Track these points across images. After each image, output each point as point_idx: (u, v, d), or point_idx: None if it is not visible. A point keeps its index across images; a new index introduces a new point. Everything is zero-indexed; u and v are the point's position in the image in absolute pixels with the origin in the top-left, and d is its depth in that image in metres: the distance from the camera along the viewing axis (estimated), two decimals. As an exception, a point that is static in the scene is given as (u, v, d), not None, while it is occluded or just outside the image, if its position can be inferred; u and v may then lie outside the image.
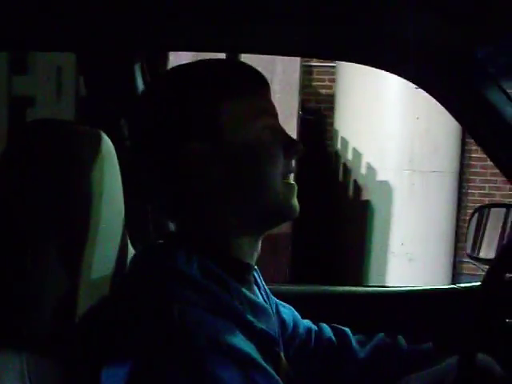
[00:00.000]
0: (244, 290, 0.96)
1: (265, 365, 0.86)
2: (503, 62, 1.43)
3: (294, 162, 1.05)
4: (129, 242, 1.21)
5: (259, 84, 1.02)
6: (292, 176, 1.04)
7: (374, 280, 4.64)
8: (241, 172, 0.96)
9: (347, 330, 1.29)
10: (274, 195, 0.97)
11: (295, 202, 1.01)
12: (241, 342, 0.85)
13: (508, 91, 1.38)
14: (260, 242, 1.03)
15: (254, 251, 1.02)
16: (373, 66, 1.50)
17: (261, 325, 0.94)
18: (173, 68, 1.04)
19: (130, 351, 0.84)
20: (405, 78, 1.49)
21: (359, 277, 4.69)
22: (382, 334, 1.28)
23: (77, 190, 1.00)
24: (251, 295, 0.98)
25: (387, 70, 1.49)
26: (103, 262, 1.07)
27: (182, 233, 1.01)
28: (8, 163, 0.97)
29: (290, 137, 1.02)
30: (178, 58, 4.31)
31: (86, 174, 1.01)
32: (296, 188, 1.02)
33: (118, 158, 1.13)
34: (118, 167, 1.13)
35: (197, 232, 0.98)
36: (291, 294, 1.40)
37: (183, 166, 0.95)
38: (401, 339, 1.27)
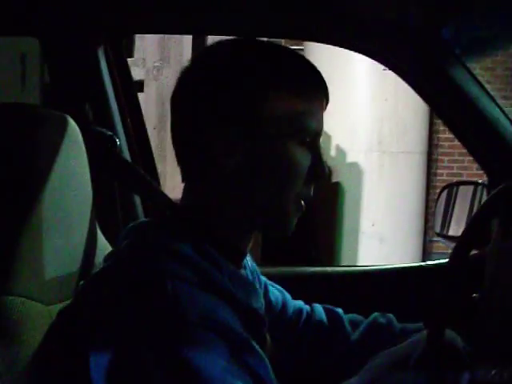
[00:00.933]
0: (234, 268, 0.96)
1: (255, 345, 0.87)
2: (468, 41, 1.45)
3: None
4: (97, 227, 1.20)
5: (316, 90, 0.97)
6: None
7: (345, 261, 4.68)
8: (261, 169, 0.93)
9: (340, 310, 1.29)
10: (282, 213, 0.96)
11: (294, 223, 0.99)
12: (233, 320, 0.86)
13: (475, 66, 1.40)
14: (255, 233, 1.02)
15: (249, 241, 1.01)
16: (339, 46, 1.50)
17: (252, 304, 0.94)
18: (212, 47, 0.99)
19: (121, 328, 0.83)
20: (371, 58, 1.50)
21: (331, 258, 4.73)
22: (376, 314, 1.28)
23: (42, 174, 0.98)
24: (241, 274, 0.99)
25: (354, 50, 1.50)
26: (74, 247, 1.06)
27: (184, 212, 0.99)
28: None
29: (321, 160, 0.98)
30: (143, 42, 4.28)
31: (51, 157, 1.00)
32: (302, 211, 0.99)
33: (85, 142, 1.12)
34: (84, 151, 1.12)
35: (201, 213, 0.97)
36: (270, 276, 1.40)
37: (215, 144, 0.92)
38: (393, 319, 1.27)
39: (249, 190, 0.95)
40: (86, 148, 1.13)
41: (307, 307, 1.28)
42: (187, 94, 0.97)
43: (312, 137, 0.96)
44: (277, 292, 1.25)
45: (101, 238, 1.20)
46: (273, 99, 0.92)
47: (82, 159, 1.12)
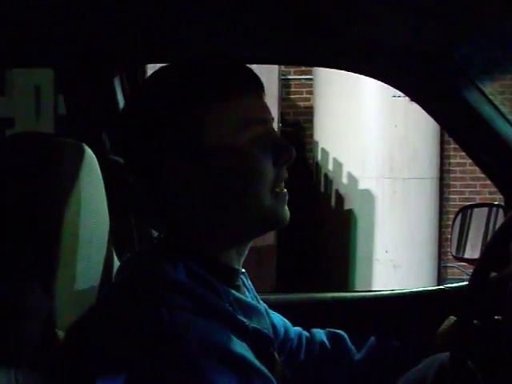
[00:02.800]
0: (232, 291, 0.95)
1: (260, 366, 0.85)
2: (480, 62, 1.45)
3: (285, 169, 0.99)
4: (114, 252, 1.20)
5: (247, 85, 0.96)
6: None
7: (359, 288, 4.64)
8: (224, 185, 0.93)
9: (342, 332, 1.28)
10: (260, 206, 0.94)
11: (284, 211, 0.98)
12: (234, 344, 0.85)
13: (485, 89, 1.40)
14: (248, 247, 1.01)
15: (241, 256, 1.01)
16: (350, 71, 1.51)
17: (253, 324, 0.93)
18: (153, 72, 1.00)
19: (122, 360, 0.83)
20: (383, 82, 1.50)
21: (345, 286, 4.69)
22: (377, 336, 1.28)
23: (58, 203, 0.99)
24: (240, 296, 0.97)
25: (366, 75, 1.50)
26: (89, 273, 1.06)
27: (168, 241, 1.00)
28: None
29: (282, 143, 0.97)
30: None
31: (68, 185, 1.00)
32: (286, 196, 0.98)
33: (101, 170, 1.13)
34: (101, 179, 1.13)
35: (183, 241, 0.97)
36: (280, 303, 1.40)
37: (166, 179, 0.93)
38: (395, 341, 1.27)
39: (220, 203, 0.94)
40: (103, 176, 1.13)
41: (306, 333, 1.28)
42: (135, 135, 0.97)
43: (261, 126, 0.95)
44: (278, 318, 1.24)
45: (117, 264, 1.20)
46: (209, 121, 0.92)
47: (99, 187, 1.12)
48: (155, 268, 0.90)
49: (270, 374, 0.87)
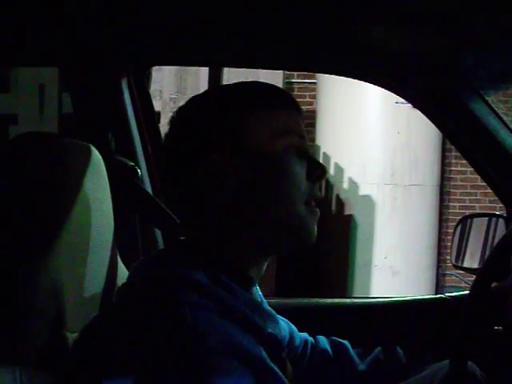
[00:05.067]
0: (251, 296, 0.97)
1: (276, 369, 0.87)
2: (486, 74, 1.46)
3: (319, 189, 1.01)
4: (118, 256, 1.20)
5: (289, 103, 1.02)
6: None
7: (358, 294, 4.64)
8: (257, 188, 0.96)
9: (346, 342, 1.29)
10: (293, 214, 0.96)
11: (314, 227, 0.99)
12: (252, 345, 0.86)
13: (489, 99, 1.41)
14: (266, 264, 1.02)
15: (260, 270, 1.01)
16: (356, 79, 1.52)
17: (269, 329, 0.94)
18: (207, 89, 1.11)
19: (137, 360, 0.83)
20: (389, 91, 1.51)
21: (344, 291, 4.70)
22: (381, 346, 1.28)
23: (66, 204, 0.99)
24: (257, 301, 1.00)
25: (371, 82, 1.51)
26: (94, 276, 1.07)
27: (189, 244, 1.01)
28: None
29: (316, 160, 1.01)
30: (160, 74, 4.33)
31: (75, 186, 1.01)
32: (318, 214, 1.00)
33: (107, 171, 1.13)
34: (107, 181, 1.13)
35: (207, 245, 0.97)
36: (279, 307, 1.40)
37: (203, 176, 0.95)
38: (399, 351, 1.27)
39: (252, 204, 0.96)
40: (109, 177, 1.14)
41: (311, 339, 1.28)
42: (179, 135, 1.02)
43: (298, 138, 1.00)
44: (284, 324, 1.25)
45: (121, 268, 1.20)
46: (251, 121, 0.97)
47: (105, 188, 1.13)
48: (176, 269, 0.91)
49: (285, 378, 0.88)
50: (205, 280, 0.90)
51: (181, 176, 0.99)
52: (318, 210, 1.00)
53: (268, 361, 0.86)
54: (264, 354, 0.87)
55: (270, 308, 1.08)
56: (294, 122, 1.01)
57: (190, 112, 1.03)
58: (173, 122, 1.04)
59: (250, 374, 0.82)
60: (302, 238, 1.00)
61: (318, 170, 1.00)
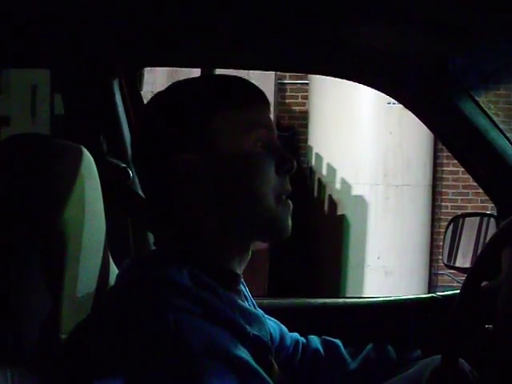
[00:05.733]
0: (234, 297, 0.97)
1: (260, 371, 0.87)
2: (475, 74, 1.47)
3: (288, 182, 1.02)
4: (110, 257, 1.20)
5: (254, 97, 1.01)
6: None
7: (350, 294, 4.65)
8: (230, 184, 0.96)
9: (337, 341, 1.29)
10: (265, 210, 0.96)
11: (288, 220, 1.00)
12: (236, 348, 0.86)
13: (479, 99, 1.41)
14: (250, 253, 1.03)
15: (243, 262, 1.02)
16: (348, 79, 1.52)
17: (254, 331, 0.94)
18: (170, 85, 1.05)
19: (125, 362, 0.83)
20: (379, 91, 1.51)
21: (337, 291, 4.70)
22: (372, 344, 1.29)
23: (58, 205, 0.99)
24: (242, 303, 0.99)
25: (362, 83, 1.52)
26: (87, 277, 1.07)
27: (171, 243, 1.01)
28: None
29: (285, 153, 1.01)
30: (152, 75, 4.32)
31: (67, 188, 1.01)
32: (291, 207, 1.01)
33: (99, 173, 1.13)
34: (98, 182, 1.13)
35: (186, 245, 0.98)
36: (272, 308, 1.40)
37: (174, 177, 0.95)
38: (390, 349, 1.28)
39: (226, 201, 0.96)
40: (100, 179, 1.14)
41: (303, 339, 1.28)
42: (147, 135, 1.01)
43: (266, 131, 0.99)
44: (274, 324, 1.25)
45: (113, 269, 1.20)
46: (219, 118, 0.96)
47: (96, 190, 1.13)
48: (160, 272, 0.91)
49: (270, 380, 0.88)
50: (188, 282, 0.90)
51: (151, 177, 1.00)
52: (290, 202, 1.01)
53: (252, 363, 0.86)
54: (248, 356, 0.87)
55: (255, 309, 1.08)
56: (261, 115, 1.01)
57: (153, 112, 1.03)
58: (139, 122, 1.04)
59: (234, 376, 0.82)
60: (275, 231, 1.00)
61: (287, 164, 1.00)
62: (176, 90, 1.04)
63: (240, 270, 1.02)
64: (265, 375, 0.87)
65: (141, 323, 0.85)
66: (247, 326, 0.93)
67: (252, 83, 1.03)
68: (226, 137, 0.96)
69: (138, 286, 0.91)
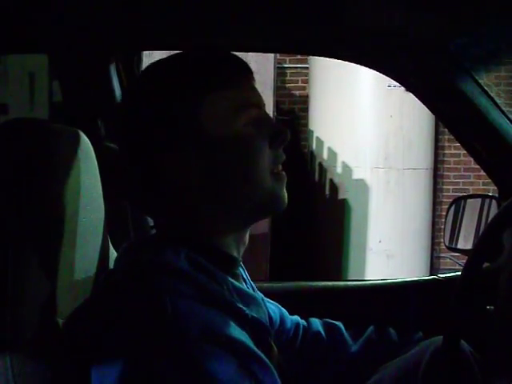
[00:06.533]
0: (232, 280, 0.96)
1: (259, 353, 0.86)
2: (476, 54, 1.45)
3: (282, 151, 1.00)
4: (109, 241, 1.20)
5: (239, 74, 0.98)
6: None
7: (352, 277, 4.66)
8: (223, 170, 0.94)
9: (339, 324, 1.29)
10: (261, 189, 0.95)
11: (284, 193, 0.99)
12: (235, 331, 0.85)
13: (480, 81, 1.40)
14: (247, 235, 1.02)
15: (241, 244, 1.01)
16: (347, 60, 1.51)
17: (253, 313, 0.93)
18: (148, 66, 1.01)
19: (122, 347, 0.83)
20: (380, 72, 1.50)
21: (338, 275, 4.71)
22: (373, 326, 1.29)
23: (55, 189, 0.99)
24: (240, 285, 0.98)
25: (362, 64, 1.50)
26: (85, 262, 1.06)
27: (168, 228, 1.00)
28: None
29: (276, 125, 0.99)
30: (150, 59, 4.30)
31: (64, 172, 1.00)
32: (285, 178, 0.99)
33: (97, 157, 1.13)
34: (96, 167, 1.12)
35: (183, 228, 0.97)
36: (273, 291, 1.40)
37: (165, 164, 0.94)
38: (391, 331, 1.28)
39: (219, 186, 0.94)
40: (98, 163, 1.13)
41: (303, 322, 1.28)
42: (135, 126, 0.98)
43: (255, 110, 0.97)
44: (274, 307, 1.25)
45: (113, 253, 1.20)
46: (206, 103, 0.93)
47: (94, 174, 1.12)
48: (157, 255, 0.91)
49: (269, 362, 0.87)
50: (186, 266, 0.89)
51: (140, 162, 0.97)
52: (284, 173, 0.99)
53: (251, 345, 0.86)
54: (247, 338, 0.87)
55: (253, 292, 1.07)
56: (249, 93, 0.98)
57: (141, 100, 0.98)
58: (126, 108, 1.01)
59: (233, 359, 0.82)
60: (273, 206, 0.99)
61: (280, 136, 0.98)
62: (155, 75, 0.99)
63: (238, 254, 1.01)
64: (264, 357, 0.87)
65: (137, 308, 0.84)
66: (245, 309, 0.92)
67: (236, 56, 1.00)
68: (214, 122, 0.93)
69: (135, 270, 0.90)
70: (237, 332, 0.86)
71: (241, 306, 0.91)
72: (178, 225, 0.97)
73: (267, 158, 0.96)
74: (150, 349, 0.80)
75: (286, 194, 0.99)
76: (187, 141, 0.93)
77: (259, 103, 0.99)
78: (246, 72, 0.99)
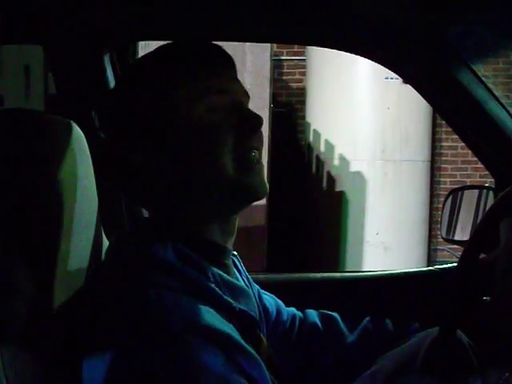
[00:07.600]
0: (220, 272, 0.95)
1: (246, 346, 0.86)
2: (473, 44, 1.44)
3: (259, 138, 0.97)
4: (103, 232, 1.19)
5: (200, 59, 0.97)
6: (257, 153, 0.97)
7: (350, 270, 4.66)
8: (184, 156, 0.93)
9: (335, 315, 1.28)
10: (224, 177, 0.93)
11: (257, 182, 0.96)
12: (220, 323, 0.85)
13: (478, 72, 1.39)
14: (235, 225, 1.01)
15: (228, 234, 1.00)
16: (344, 50, 1.50)
17: (240, 306, 0.93)
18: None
19: (109, 340, 0.83)
20: (376, 62, 1.49)
21: (335, 267, 4.71)
22: (369, 317, 1.28)
23: (49, 180, 0.98)
24: (228, 277, 0.97)
25: (359, 54, 1.49)
26: (78, 253, 1.06)
27: (154, 219, 1.00)
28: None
29: (246, 111, 0.97)
30: (146, 51, 4.29)
31: (58, 162, 1.00)
32: (258, 166, 0.96)
33: (90, 148, 1.12)
34: (89, 157, 1.12)
35: (167, 218, 0.97)
36: (270, 283, 1.40)
37: (133, 160, 0.95)
38: (388, 322, 1.28)
39: (187, 177, 0.93)
40: (92, 155, 1.13)
41: (300, 313, 1.28)
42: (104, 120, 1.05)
43: (220, 95, 0.95)
44: (270, 299, 1.25)
45: (106, 244, 1.19)
46: (163, 96, 0.94)
47: (88, 165, 1.12)
48: (143, 248, 0.90)
49: (256, 354, 0.87)
50: (173, 259, 0.89)
51: (116, 158, 0.99)
52: (257, 161, 0.96)
53: (237, 338, 0.85)
54: (233, 331, 0.86)
55: (243, 284, 1.07)
56: (212, 78, 0.96)
57: (112, 95, 1.05)
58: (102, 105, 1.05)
59: (219, 352, 0.81)
60: (241, 196, 0.96)
61: (250, 121, 0.95)
62: (130, 70, 1.03)
63: (225, 243, 1.00)
64: (251, 350, 0.87)
65: (123, 300, 0.84)
66: (233, 302, 0.92)
67: (200, 41, 1.00)
68: (176, 109, 0.93)
69: (122, 262, 0.90)
70: (222, 324, 0.85)
71: (227, 299, 0.91)
72: (159, 216, 0.98)
73: (231, 145, 0.93)
74: (136, 342, 0.80)
75: (261, 184, 0.97)
76: (150, 135, 0.95)
77: (228, 88, 0.97)
78: (211, 56, 0.98)
